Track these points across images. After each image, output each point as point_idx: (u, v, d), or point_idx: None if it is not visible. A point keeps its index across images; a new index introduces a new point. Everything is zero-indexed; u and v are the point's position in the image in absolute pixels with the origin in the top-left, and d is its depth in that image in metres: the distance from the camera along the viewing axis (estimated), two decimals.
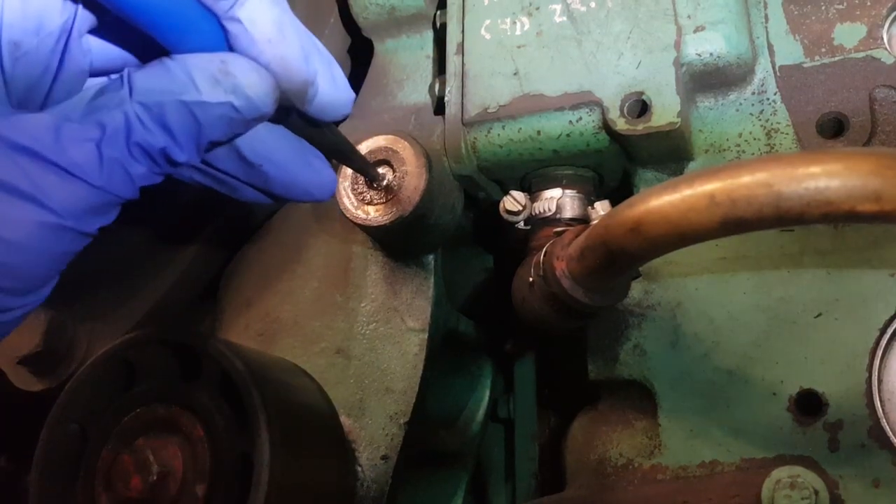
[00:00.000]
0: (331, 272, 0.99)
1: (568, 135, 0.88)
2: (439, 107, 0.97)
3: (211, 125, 0.54)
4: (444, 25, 0.98)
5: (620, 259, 0.68)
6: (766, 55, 0.88)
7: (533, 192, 0.94)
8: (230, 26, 0.54)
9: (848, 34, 0.86)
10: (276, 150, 0.63)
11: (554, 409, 1.27)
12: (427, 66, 1.03)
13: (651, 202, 0.62)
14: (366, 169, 0.83)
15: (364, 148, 0.88)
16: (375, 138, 0.89)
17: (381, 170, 0.87)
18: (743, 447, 0.79)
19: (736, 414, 0.80)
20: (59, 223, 0.50)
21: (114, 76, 0.58)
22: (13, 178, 0.49)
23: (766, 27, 0.90)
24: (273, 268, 1.03)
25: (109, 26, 0.58)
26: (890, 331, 0.77)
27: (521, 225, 0.94)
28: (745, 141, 0.87)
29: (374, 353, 0.94)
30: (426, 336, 0.93)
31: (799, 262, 0.82)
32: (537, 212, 0.92)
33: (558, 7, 0.91)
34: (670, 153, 0.87)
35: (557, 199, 0.91)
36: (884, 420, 0.75)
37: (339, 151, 0.72)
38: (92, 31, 0.58)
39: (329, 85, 0.60)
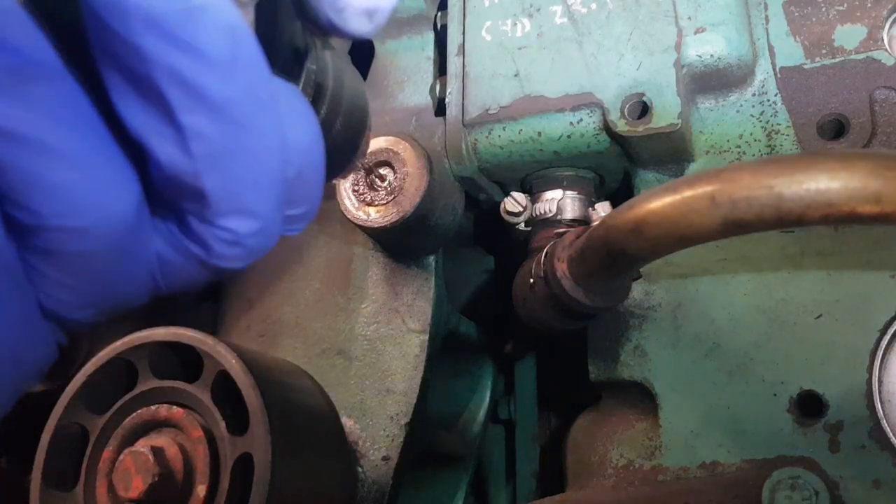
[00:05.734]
0: (332, 273, 0.99)
1: (569, 136, 0.88)
2: (440, 108, 0.97)
3: None
4: (444, 27, 0.98)
5: (621, 260, 0.68)
6: (766, 56, 0.88)
7: (534, 193, 0.94)
8: None
9: (848, 35, 0.86)
10: None
11: (555, 410, 1.27)
12: (428, 68, 1.03)
13: (652, 203, 0.62)
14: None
15: None
16: (376, 139, 0.89)
17: (382, 171, 0.87)
18: (743, 448, 0.79)
19: (736, 415, 0.80)
20: None
21: None
22: None
23: (767, 28, 0.90)
24: (274, 269, 1.03)
25: None
26: (890, 332, 0.77)
27: (522, 226, 0.94)
28: (746, 142, 0.87)
29: (375, 354, 0.94)
30: (427, 337, 0.93)
31: (799, 263, 0.82)
32: (538, 213, 0.92)
33: (559, 8, 0.91)
34: (671, 154, 0.87)
35: (558, 201, 0.91)
36: (884, 421, 0.75)
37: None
38: None
39: None
